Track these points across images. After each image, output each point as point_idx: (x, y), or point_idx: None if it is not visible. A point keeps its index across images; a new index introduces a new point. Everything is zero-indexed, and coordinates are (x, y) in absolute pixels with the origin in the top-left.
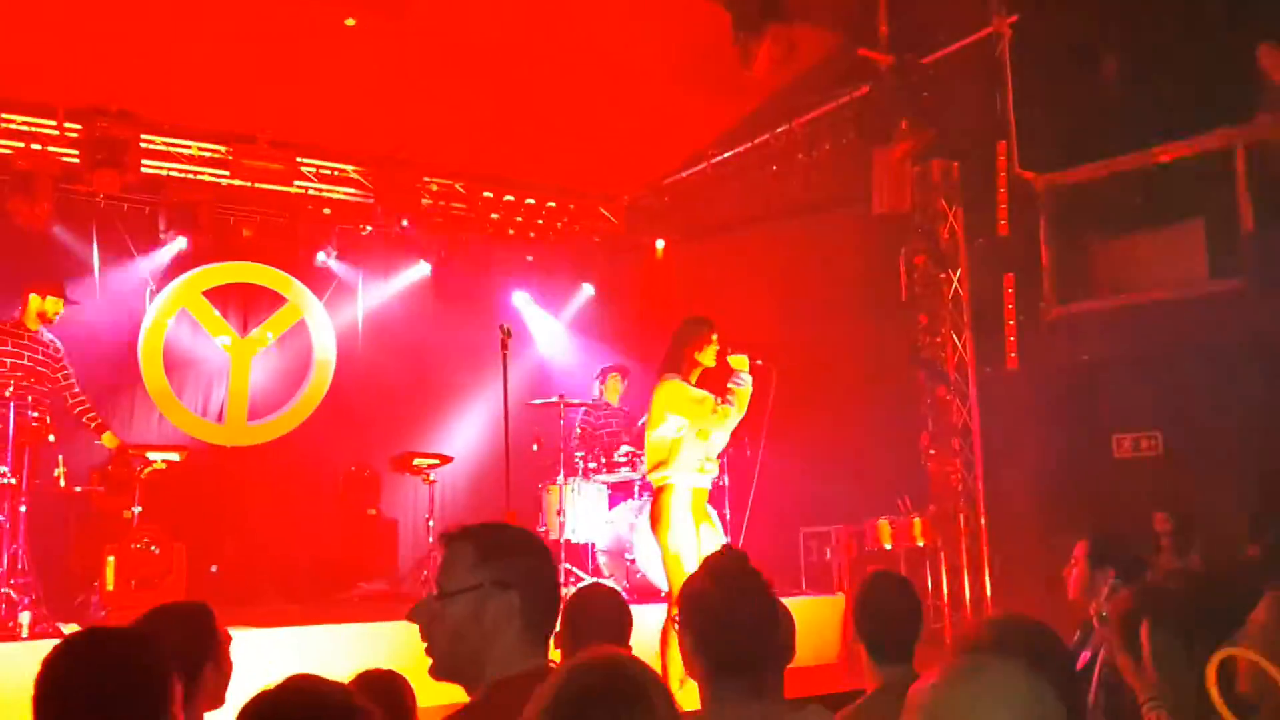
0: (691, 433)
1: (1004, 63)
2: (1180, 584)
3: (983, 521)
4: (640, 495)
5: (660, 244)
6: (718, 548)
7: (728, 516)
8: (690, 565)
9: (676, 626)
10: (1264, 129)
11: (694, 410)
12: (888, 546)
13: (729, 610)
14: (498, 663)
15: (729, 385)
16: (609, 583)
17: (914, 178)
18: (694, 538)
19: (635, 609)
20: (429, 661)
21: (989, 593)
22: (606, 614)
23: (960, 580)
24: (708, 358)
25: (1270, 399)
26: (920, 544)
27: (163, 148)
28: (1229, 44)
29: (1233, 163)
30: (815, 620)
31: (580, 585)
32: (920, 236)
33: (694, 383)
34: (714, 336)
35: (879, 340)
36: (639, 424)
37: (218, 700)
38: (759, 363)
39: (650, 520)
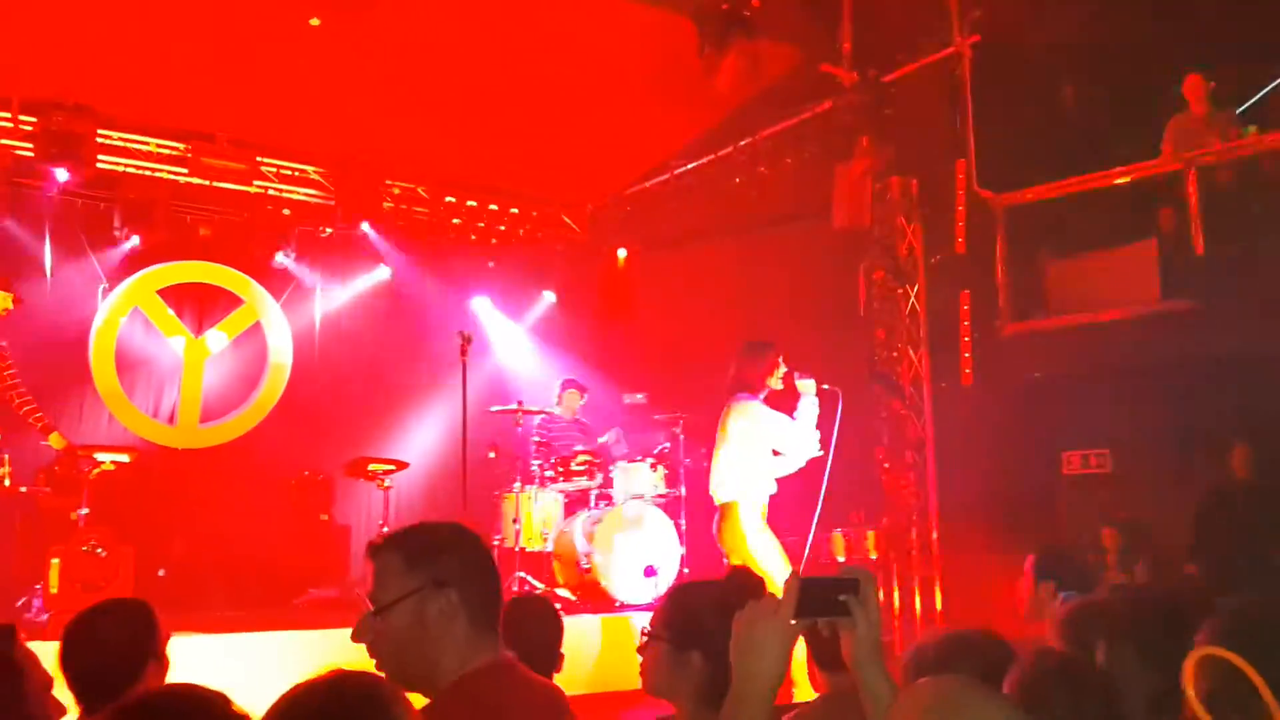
0: (757, 453)
1: (964, 82)
2: (1127, 598)
3: (935, 535)
4: (596, 504)
5: (622, 253)
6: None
7: (683, 526)
8: (779, 574)
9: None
10: (1214, 152)
11: (768, 431)
12: (841, 559)
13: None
14: (452, 662)
15: (800, 407)
16: (563, 592)
17: (874, 194)
18: (775, 547)
19: (590, 618)
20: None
21: (940, 606)
22: (535, 625)
23: (912, 593)
24: (776, 381)
25: (1217, 419)
26: (873, 556)
27: (120, 143)
28: (1179, 68)
29: (1185, 185)
30: None
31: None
32: (879, 252)
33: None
34: (780, 359)
35: (837, 354)
36: (600, 441)
37: None
38: (825, 387)
39: (719, 537)
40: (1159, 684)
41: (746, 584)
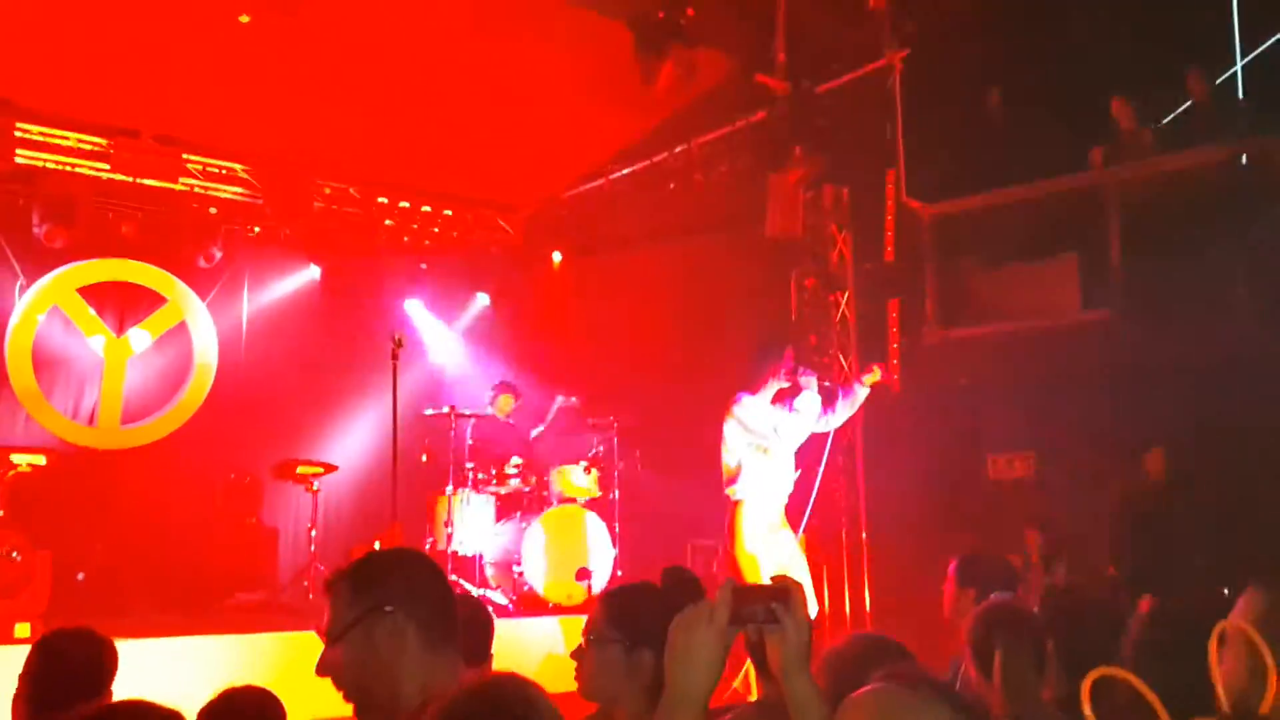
0: (753, 452)
1: (894, 95)
2: (1042, 602)
3: (864, 537)
4: (529, 507)
5: (557, 257)
6: (791, 550)
7: (617, 530)
8: (765, 571)
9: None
10: (1131, 169)
11: (753, 430)
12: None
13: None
14: (412, 682)
15: (795, 406)
16: (496, 596)
17: (806, 202)
18: (766, 546)
19: (525, 621)
20: (307, 672)
21: (869, 608)
22: (464, 626)
23: (841, 596)
24: (783, 381)
25: (1133, 425)
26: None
27: (40, 138)
28: (1102, 87)
29: (1104, 200)
30: None
31: None
32: (811, 260)
33: (768, 401)
34: (791, 353)
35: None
36: (531, 435)
37: None
38: (827, 384)
39: (726, 533)
40: (1061, 687)
41: (683, 582)
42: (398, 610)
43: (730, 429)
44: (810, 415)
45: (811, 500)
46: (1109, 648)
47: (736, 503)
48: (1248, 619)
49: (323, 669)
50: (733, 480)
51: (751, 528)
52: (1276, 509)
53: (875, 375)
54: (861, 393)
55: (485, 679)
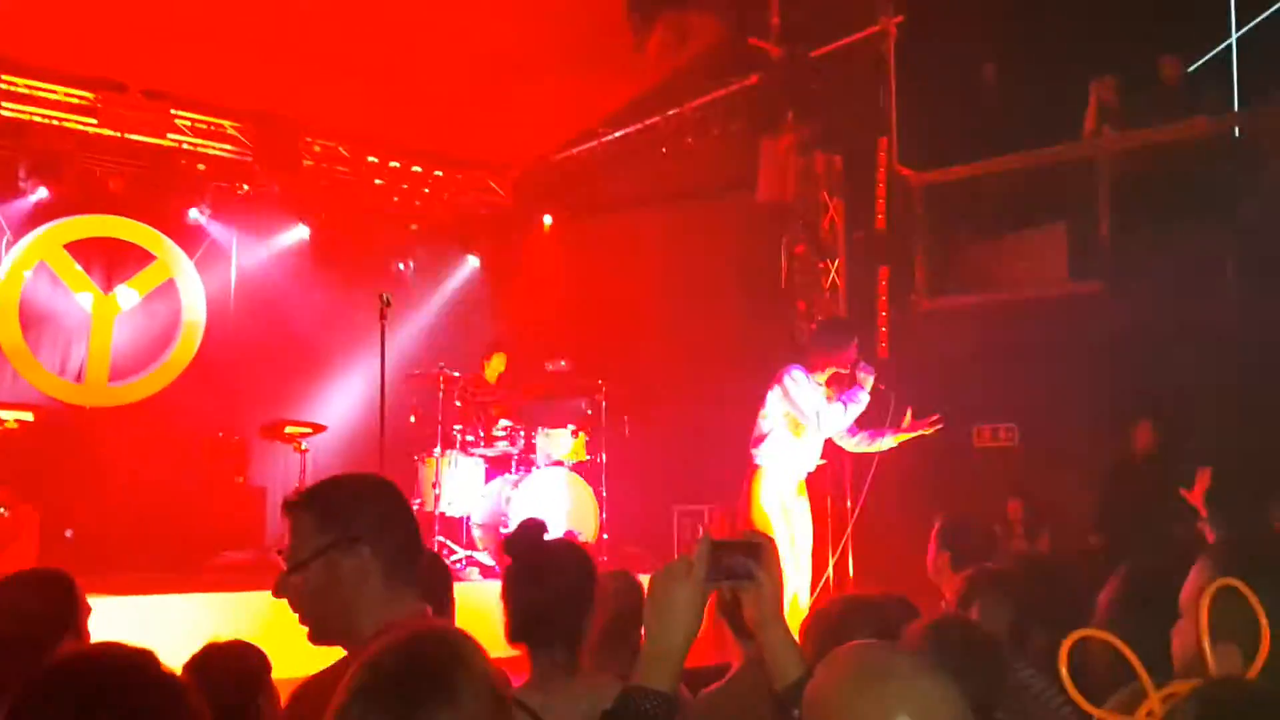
0: (787, 424)
1: (888, 61)
2: (1019, 568)
3: (848, 503)
4: (517, 469)
5: (548, 219)
6: (805, 519)
7: (603, 493)
8: (779, 533)
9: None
10: (1121, 140)
11: (794, 404)
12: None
13: (532, 586)
14: (370, 615)
15: (843, 399)
16: (482, 557)
17: (798, 168)
18: (790, 519)
19: None
20: (295, 630)
21: (852, 573)
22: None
23: (824, 560)
24: (842, 364)
25: (1121, 396)
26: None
27: (24, 91)
28: (1095, 58)
29: (1094, 170)
30: None
31: None
32: (801, 226)
33: (822, 383)
34: (855, 345)
35: (758, 325)
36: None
37: None
38: (881, 389)
39: (743, 494)
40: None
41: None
42: (365, 545)
43: (773, 396)
44: (856, 410)
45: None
46: (1084, 610)
47: (756, 467)
48: (1196, 587)
49: (281, 592)
50: (758, 444)
51: (768, 494)
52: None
53: (869, 379)
54: (862, 398)
55: (412, 634)
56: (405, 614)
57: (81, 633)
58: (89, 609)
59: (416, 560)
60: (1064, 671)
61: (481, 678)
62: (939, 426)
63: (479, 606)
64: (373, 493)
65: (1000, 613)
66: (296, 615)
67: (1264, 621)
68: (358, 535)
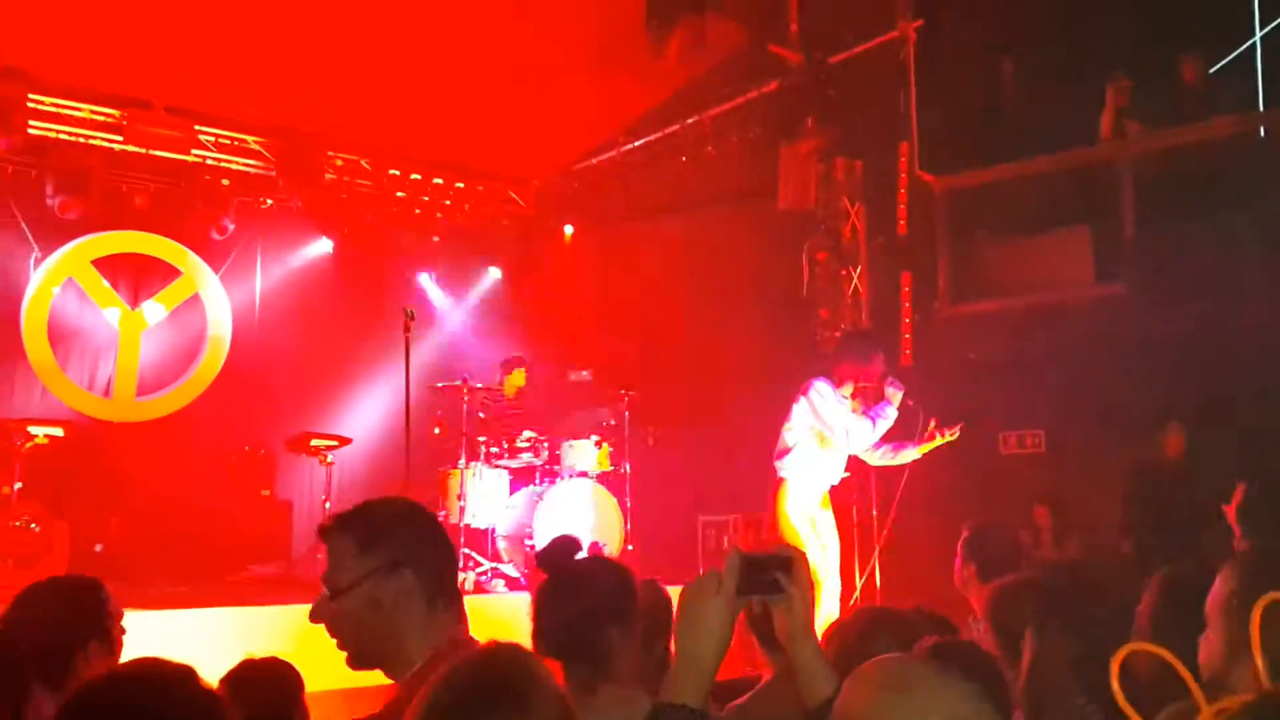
0: (813, 438)
1: (908, 66)
2: (1058, 578)
3: (874, 513)
4: (541, 481)
5: (569, 229)
6: (831, 530)
7: (628, 504)
8: (807, 544)
9: None
10: (1144, 141)
11: (822, 419)
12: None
13: (564, 602)
14: (415, 643)
15: (871, 415)
16: (509, 569)
17: (819, 175)
18: (819, 530)
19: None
20: (322, 645)
21: (879, 583)
22: None
23: (851, 570)
24: (868, 378)
25: (1147, 400)
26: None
27: (52, 109)
28: (1114, 60)
29: (1118, 172)
30: None
31: None
32: (823, 233)
33: (848, 395)
34: (881, 358)
35: (780, 332)
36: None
37: None
38: (910, 404)
39: (769, 505)
40: (1079, 649)
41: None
42: (408, 570)
43: (799, 409)
44: (884, 425)
45: (895, 502)
46: (1121, 619)
47: (782, 481)
48: (1222, 596)
49: (320, 616)
50: (783, 456)
51: (795, 507)
52: None
53: (897, 395)
54: (890, 414)
55: (487, 648)
56: (449, 640)
57: (113, 640)
58: (120, 615)
59: (456, 580)
60: (1116, 686)
61: (552, 691)
62: (958, 434)
63: (505, 619)
64: (410, 516)
65: (1051, 630)
66: (335, 640)
67: (1256, 635)
68: (400, 561)
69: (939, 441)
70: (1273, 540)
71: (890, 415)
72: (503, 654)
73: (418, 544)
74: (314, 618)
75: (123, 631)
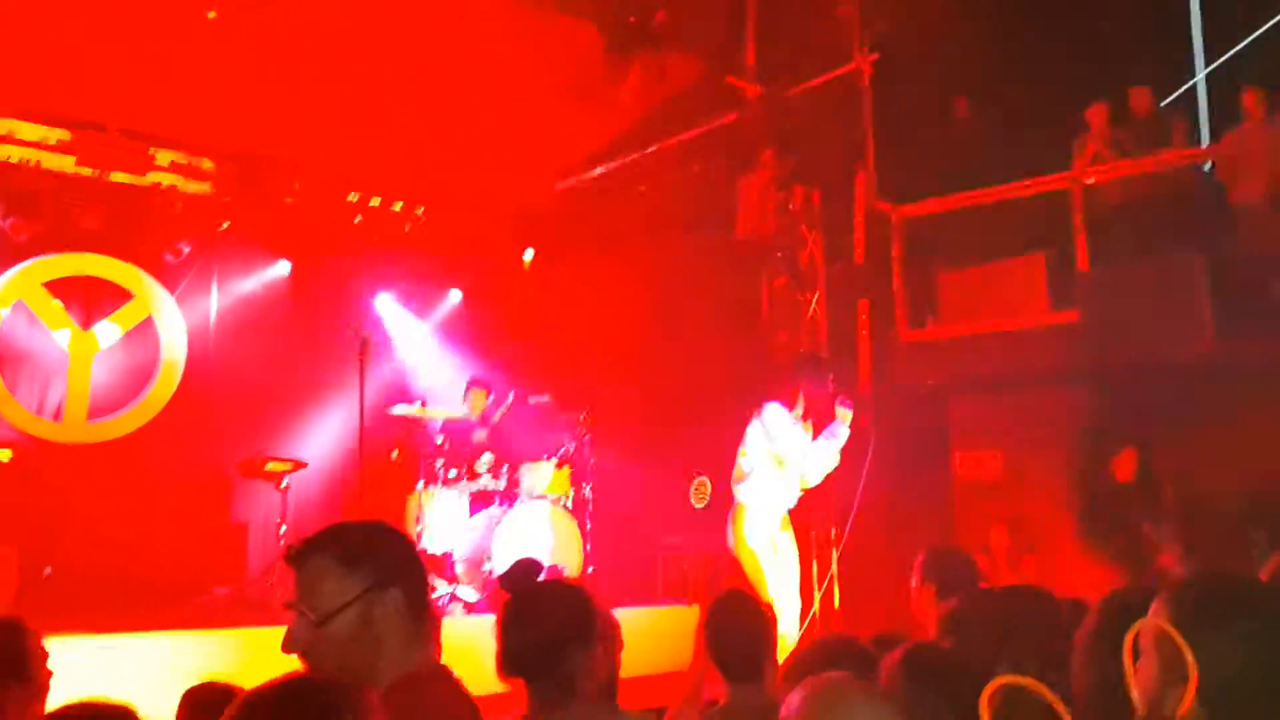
0: (769, 461)
1: (864, 98)
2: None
3: (833, 533)
4: (500, 504)
5: (529, 255)
6: (790, 551)
7: (588, 526)
8: (766, 566)
9: None
10: (1094, 171)
11: (775, 443)
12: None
13: (527, 623)
14: (388, 663)
15: (824, 435)
16: (466, 592)
17: (776, 203)
18: (777, 553)
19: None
20: (277, 668)
21: (838, 605)
22: None
23: (810, 593)
24: (817, 399)
25: (1101, 425)
26: None
27: (2, 130)
28: (1067, 90)
29: (1071, 202)
30: (671, 630)
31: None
32: (781, 260)
33: (798, 417)
34: (830, 379)
35: (740, 358)
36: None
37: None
38: (863, 424)
39: (729, 529)
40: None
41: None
42: (396, 587)
43: (753, 432)
44: (836, 449)
45: (849, 524)
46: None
47: (739, 505)
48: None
49: (295, 645)
50: (740, 481)
51: (754, 532)
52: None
53: (847, 414)
54: (843, 433)
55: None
56: (421, 666)
57: (36, 682)
58: (45, 656)
59: (428, 602)
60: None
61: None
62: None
63: (463, 644)
64: (390, 536)
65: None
66: (306, 666)
67: (1191, 663)
68: (389, 578)
69: (844, 418)
70: (1209, 562)
71: (843, 435)
72: (306, 688)
73: (402, 561)
74: (288, 647)
75: (48, 674)
